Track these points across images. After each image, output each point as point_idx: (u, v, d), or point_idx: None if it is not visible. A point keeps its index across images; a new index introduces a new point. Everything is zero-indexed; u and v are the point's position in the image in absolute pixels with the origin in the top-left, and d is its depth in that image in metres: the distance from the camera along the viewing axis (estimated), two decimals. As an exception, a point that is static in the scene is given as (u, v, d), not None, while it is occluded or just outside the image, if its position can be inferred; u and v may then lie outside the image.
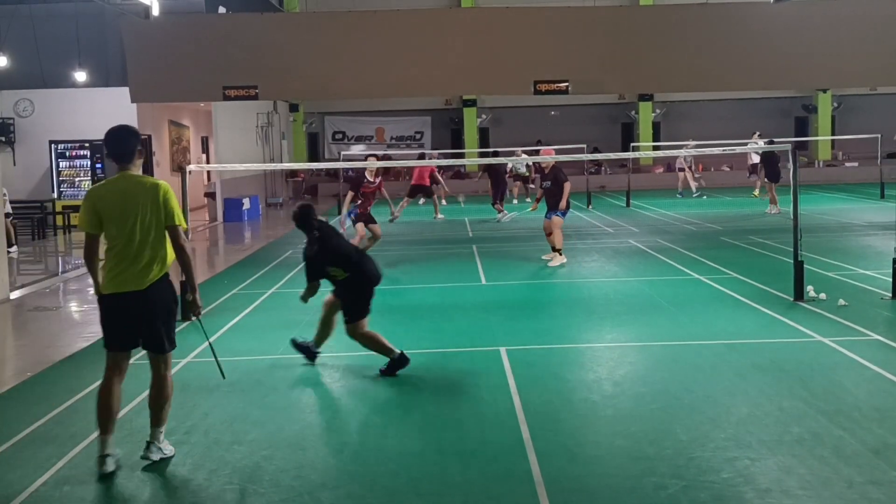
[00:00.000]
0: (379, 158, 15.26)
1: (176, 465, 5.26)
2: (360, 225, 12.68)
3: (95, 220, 5.11)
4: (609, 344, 8.11)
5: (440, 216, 21.53)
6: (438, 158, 26.53)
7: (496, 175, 21.10)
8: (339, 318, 7.32)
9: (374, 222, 12.85)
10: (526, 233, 17.42)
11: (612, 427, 5.76)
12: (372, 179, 12.70)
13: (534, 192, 24.63)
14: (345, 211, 12.75)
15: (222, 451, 5.48)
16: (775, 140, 21.15)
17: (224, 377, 6.02)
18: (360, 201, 12.55)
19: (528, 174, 25.99)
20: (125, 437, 5.80)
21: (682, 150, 20.03)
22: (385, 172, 31.71)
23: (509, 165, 24.60)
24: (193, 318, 5.43)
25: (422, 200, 25.10)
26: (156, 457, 5.25)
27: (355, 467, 5.20)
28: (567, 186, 12.65)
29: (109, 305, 5.15)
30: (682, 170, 25.75)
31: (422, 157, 27.26)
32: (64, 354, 8.31)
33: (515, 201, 25.30)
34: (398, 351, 7.08)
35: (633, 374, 7.15)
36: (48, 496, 4.89)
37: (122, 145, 5.23)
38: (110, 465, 5.08)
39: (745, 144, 20.56)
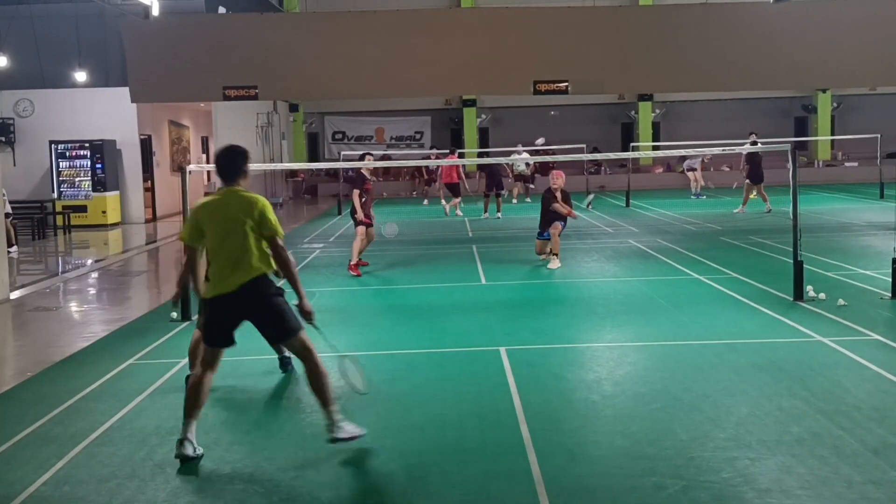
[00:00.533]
0: (377, 158, 15.26)
1: (177, 465, 5.26)
2: (360, 228, 12.57)
3: (196, 234, 5.52)
4: (609, 344, 8.11)
5: (498, 215, 21.18)
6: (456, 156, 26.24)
7: (490, 172, 21.20)
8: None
9: (372, 225, 12.82)
10: (526, 233, 17.40)
11: (611, 427, 5.76)
12: (369, 177, 12.77)
13: (534, 193, 24.73)
14: (359, 209, 12.39)
15: (222, 451, 5.49)
16: (773, 140, 21.16)
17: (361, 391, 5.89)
18: (364, 199, 12.50)
19: (528, 173, 25.98)
20: (125, 437, 5.81)
21: (696, 151, 20.00)
22: (385, 172, 31.96)
23: (512, 162, 24.61)
24: (311, 325, 5.52)
25: (426, 201, 25.18)
26: (342, 434, 5.36)
27: (355, 467, 5.20)
28: (572, 214, 13.04)
29: (212, 307, 5.46)
30: (692, 170, 25.54)
31: (427, 157, 27.25)
32: (64, 354, 8.32)
33: (515, 201, 25.30)
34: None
35: (632, 373, 7.15)
36: (48, 496, 4.89)
37: (230, 165, 5.63)
38: (188, 449, 5.25)
39: (742, 145, 20.53)
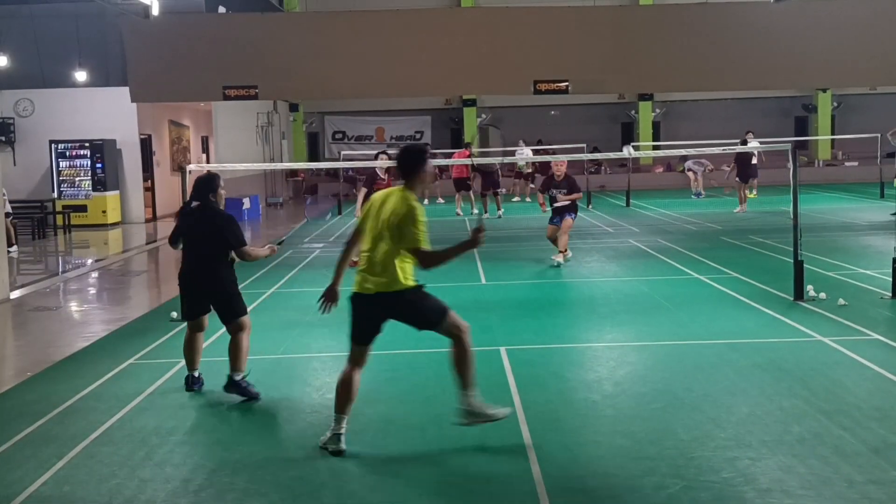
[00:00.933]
0: (390, 157, 15.39)
1: (177, 465, 5.26)
2: None
3: (363, 219, 5.59)
4: (609, 344, 8.10)
5: (499, 213, 21.29)
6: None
7: (484, 171, 21.27)
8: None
9: None
10: (526, 233, 17.42)
11: (612, 426, 5.76)
12: (383, 176, 12.92)
13: (534, 192, 24.70)
14: (360, 207, 12.71)
15: (223, 451, 5.48)
16: (773, 140, 21.14)
17: None
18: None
19: (529, 171, 25.93)
20: (125, 436, 5.81)
21: (696, 151, 20.05)
22: (385, 172, 31.92)
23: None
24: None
25: (426, 201, 25.10)
26: (468, 420, 5.44)
27: (356, 467, 5.20)
28: (579, 196, 13.02)
29: (356, 304, 5.49)
30: (693, 171, 25.56)
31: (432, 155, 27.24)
32: (64, 354, 8.31)
33: (517, 198, 25.27)
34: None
35: (633, 373, 7.15)
36: (48, 496, 4.88)
37: (410, 164, 5.58)
38: (342, 444, 5.37)
39: (739, 145, 20.52)
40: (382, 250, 5.38)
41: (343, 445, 5.38)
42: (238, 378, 6.51)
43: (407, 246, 5.37)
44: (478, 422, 5.45)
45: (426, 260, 5.46)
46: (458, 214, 22.04)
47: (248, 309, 10.00)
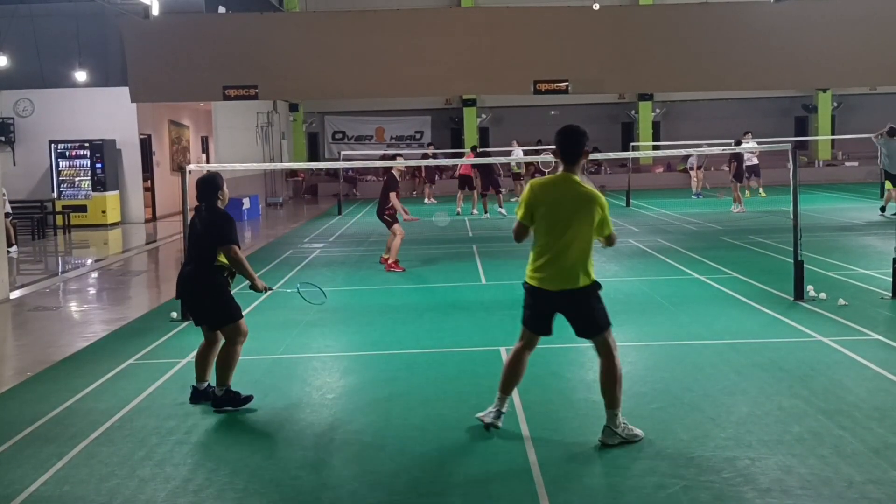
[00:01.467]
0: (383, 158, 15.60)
1: (176, 465, 5.26)
2: (397, 225, 12.89)
3: (527, 213, 5.46)
4: (609, 343, 8.09)
5: (501, 211, 21.84)
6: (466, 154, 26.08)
7: (484, 171, 21.41)
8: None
9: (397, 221, 13.04)
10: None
11: (612, 426, 5.75)
12: (399, 178, 13.42)
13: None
14: (400, 208, 12.98)
15: (222, 451, 5.49)
16: (773, 140, 21.14)
17: None
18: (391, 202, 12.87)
19: (520, 171, 25.87)
20: (125, 436, 5.81)
21: (696, 151, 20.08)
22: (385, 172, 31.93)
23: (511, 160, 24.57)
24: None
25: (426, 200, 25.10)
26: (613, 441, 5.34)
27: (356, 467, 5.20)
28: None
29: (531, 295, 5.54)
30: (696, 168, 25.62)
31: (425, 156, 27.24)
32: (64, 354, 8.32)
33: (515, 199, 25.25)
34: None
35: (633, 373, 7.14)
36: (48, 495, 4.89)
37: (572, 145, 5.40)
38: (500, 422, 5.62)
39: (740, 145, 20.56)
40: (568, 243, 5.30)
41: (500, 423, 5.62)
42: (220, 392, 6.31)
43: (606, 233, 5.40)
44: (618, 442, 5.33)
45: (612, 242, 5.53)
46: (458, 213, 22.18)
47: (248, 309, 10.08)
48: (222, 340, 6.49)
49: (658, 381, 6.80)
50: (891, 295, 9.56)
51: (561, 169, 5.47)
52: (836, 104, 33.74)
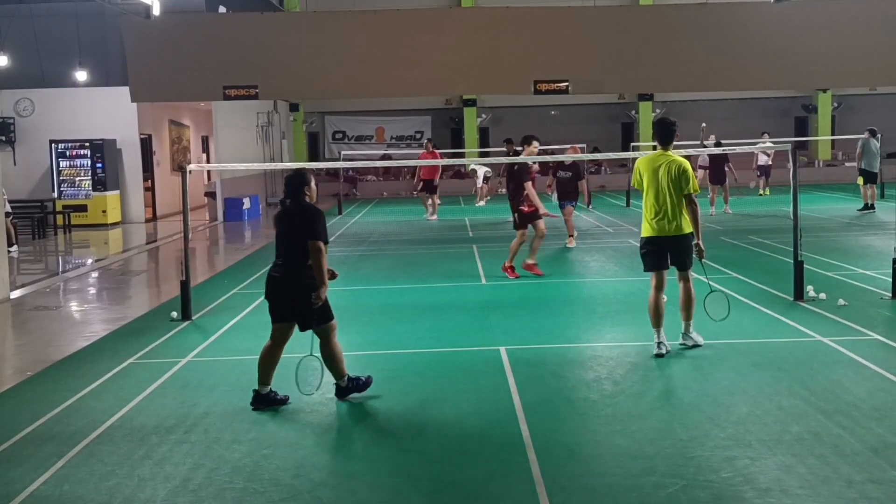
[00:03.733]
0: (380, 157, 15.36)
1: (176, 464, 5.27)
2: (540, 221, 11.66)
3: (638, 179, 7.60)
4: (609, 343, 8.11)
5: (434, 217, 20.92)
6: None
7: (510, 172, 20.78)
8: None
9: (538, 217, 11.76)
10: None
11: (611, 426, 5.76)
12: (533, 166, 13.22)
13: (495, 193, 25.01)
14: (537, 201, 11.57)
15: (222, 450, 5.49)
16: (773, 140, 21.13)
17: None
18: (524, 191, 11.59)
19: (490, 175, 25.75)
20: (125, 435, 5.81)
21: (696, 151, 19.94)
22: (385, 172, 31.96)
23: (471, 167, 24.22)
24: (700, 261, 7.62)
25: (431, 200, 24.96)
26: (689, 342, 7.62)
27: (355, 466, 5.20)
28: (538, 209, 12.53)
29: (647, 243, 7.53)
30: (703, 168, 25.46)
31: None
32: (64, 354, 8.32)
33: (481, 202, 24.97)
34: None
35: (632, 373, 7.15)
36: (48, 495, 4.89)
37: (667, 133, 7.59)
38: (663, 350, 7.40)
39: (754, 145, 20.53)
40: (672, 202, 7.30)
41: (663, 350, 7.37)
42: (345, 383, 6.45)
43: (686, 192, 7.30)
44: (691, 345, 7.58)
45: (695, 204, 7.43)
46: (434, 218, 20.85)
47: (249, 308, 10.09)
48: (287, 341, 6.49)
49: (657, 380, 6.81)
50: (890, 295, 9.56)
51: (659, 148, 7.56)
52: (836, 104, 33.75)
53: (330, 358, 6.44)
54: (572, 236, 14.76)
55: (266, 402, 6.36)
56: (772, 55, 17.71)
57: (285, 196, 6.49)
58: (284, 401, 6.41)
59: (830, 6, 18.04)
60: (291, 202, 6.44)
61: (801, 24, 17.85)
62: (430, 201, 21.36)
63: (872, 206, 19.14)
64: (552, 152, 28.09)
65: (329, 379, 6.56)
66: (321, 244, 6.21)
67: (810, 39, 17.69)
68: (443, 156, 26.38)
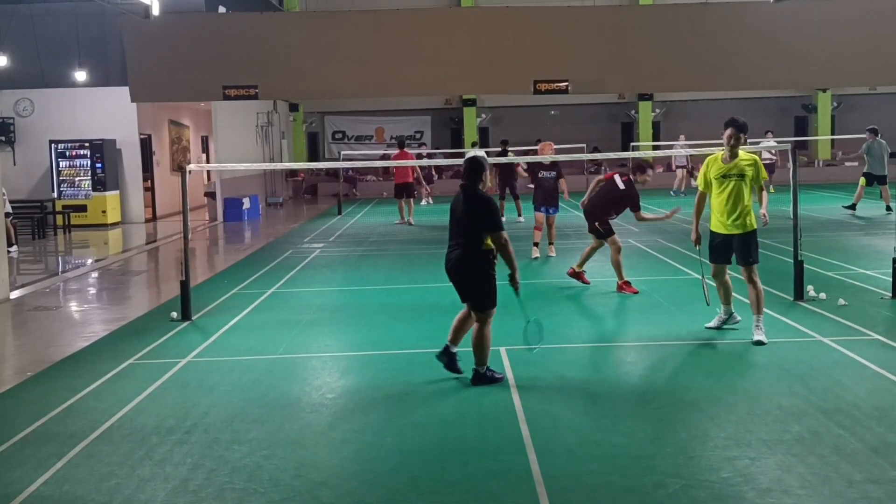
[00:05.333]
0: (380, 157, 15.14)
1: (176, 464, 5.26)
2: (616, 236, 10.98)
3: (704, 182, 7.99)
4: (609, 343, 8.11)
5: (404, 222, 19.98)
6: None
7: (502, 173, 20.64)
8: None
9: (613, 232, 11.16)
10: (525, 232, 17.40)
11: (611, 426, 5.76)
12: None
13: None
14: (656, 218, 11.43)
15: (222, 450, 5.48)
16: (773, 140, 21.14)
17: (708, 303, 8.53)
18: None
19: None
20: (125, 436, 5.81)
21: (675, 150, 20.04)
22: (385, 172, 31.97)
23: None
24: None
25: (424, 201, 24.96)
26: (760, 336, 7.69)
27: (355, 466, 5.20)
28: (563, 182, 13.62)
29: (713, 237, 7.97)
30: (681, 167, 25.98)
31: (419, 156, 26.95)
32: (64, 354, 8.32)
33: (424, 202, 24.72)
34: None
35: (632, 373, 7.15)
36: (48, 495, 4.89)
37: (742, 130, 7.83)
38: (734, 320, 8.33)
39: (757, 144, 20.56)
40: (726, 199, 7.74)
41: (735, 321, 8.30)
42: (482, 371, 6.73)
43: (763, 178, 7.85)
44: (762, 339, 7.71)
45: (765, 187, 8.29)
46: (411, 223, 19.80)
47: (249, 308, 10.08)
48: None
49: (657, 380, 6.81)
50: (891, 295, 9.56)
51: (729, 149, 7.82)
52: (835, 104, 33.75)
53: (479, 343, 6.73)
54: (552, 244, 13.98)
55: (448, 358, 6.94)
56: (772, 55, 17.71)
57: (463, 180, 6.73)
58: (500, 379, 6.79)
59: (830, 6, 18.04)
60: (469, 188, 6.70)
61: (801, 24, 17.86)
62: (405, 205, 20.04)
63: (889, 209, 18.90)
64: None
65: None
66: (504, 234, 6.56)
67: (810, 39, 17.70)
68: (442, 156, 26.31)
